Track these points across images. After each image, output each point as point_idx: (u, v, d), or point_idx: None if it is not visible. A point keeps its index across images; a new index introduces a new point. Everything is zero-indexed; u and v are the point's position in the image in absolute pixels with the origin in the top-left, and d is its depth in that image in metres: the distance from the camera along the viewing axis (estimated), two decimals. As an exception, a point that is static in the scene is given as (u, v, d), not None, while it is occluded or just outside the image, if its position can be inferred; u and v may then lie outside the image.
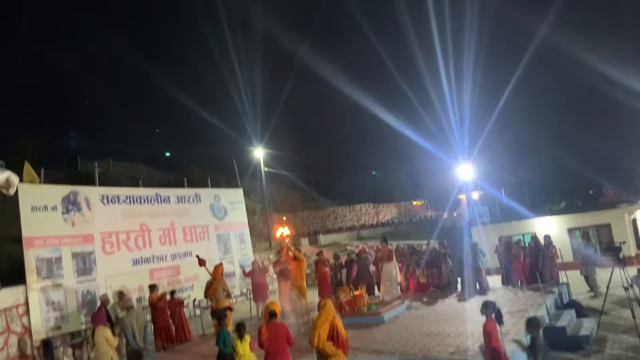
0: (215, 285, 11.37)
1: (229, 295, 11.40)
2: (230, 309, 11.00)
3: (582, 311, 10.90)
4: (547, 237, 14.02)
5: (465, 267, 13.22)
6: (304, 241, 29.49)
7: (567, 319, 9.80)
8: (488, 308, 6.40)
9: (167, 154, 37.93)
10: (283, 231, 14.29)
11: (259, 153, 27.98)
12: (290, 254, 12.80)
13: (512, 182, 36.68)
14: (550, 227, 19.23)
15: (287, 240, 13.54)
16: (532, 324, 6.32)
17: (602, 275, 13.16)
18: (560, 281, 13.28)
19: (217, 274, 11.55)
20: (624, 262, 9.92)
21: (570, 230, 19.50)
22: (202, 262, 11.82)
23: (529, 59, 27.91)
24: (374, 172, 49.87)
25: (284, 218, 29.30)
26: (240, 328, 7.13)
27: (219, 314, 9.59)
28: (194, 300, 13.59)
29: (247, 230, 18.01)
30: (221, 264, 12.45)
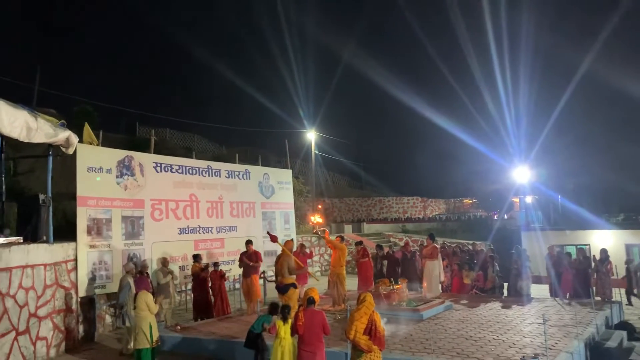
0: (280, 260, 11.05)
1: (292, 272, 11.16)
2: (294, 285, 10.64)
3: (634, 334, 10.29)
4: (603, 251, 13.30)
5: (523, 273, 12.78)
6: (347, 228, 29.35)
7: (617, 340, 9.25)
8: None
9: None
10: (316, 219, 14.17)
11: (311, 136, 27.93)
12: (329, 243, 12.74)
13: (570, 188, 35.07)
14: (607, 240, 18.27)
15: (323, 229, 13.35)
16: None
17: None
18: (614, 299, 12.60)
19: (284, 248, 11.25)
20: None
21: (629, 246, 18.53)
22: (274, 239, 11.61)
23: (595, 57, 25.80)
24: (424, 166, 49.13)
25: (319, 206, 29.08)
26: (284, 310, 7.13)
27: (282, 289, 10.23)
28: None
29: (292, 211, 18.06)
30: (291, 239, 12.64)
